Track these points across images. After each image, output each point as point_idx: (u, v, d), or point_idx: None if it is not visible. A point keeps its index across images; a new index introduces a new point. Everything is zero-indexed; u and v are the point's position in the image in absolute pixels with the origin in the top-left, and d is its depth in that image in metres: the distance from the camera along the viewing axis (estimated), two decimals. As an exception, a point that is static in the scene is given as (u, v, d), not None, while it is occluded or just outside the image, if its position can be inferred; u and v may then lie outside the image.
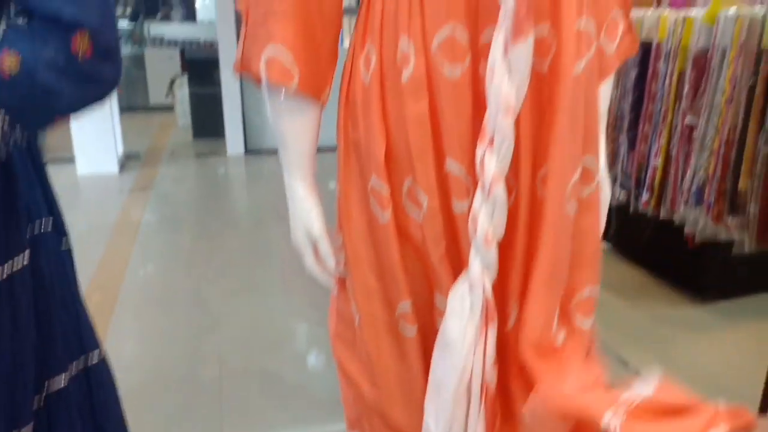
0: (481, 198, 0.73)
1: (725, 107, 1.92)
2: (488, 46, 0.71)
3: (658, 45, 2.18)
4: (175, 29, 7.05)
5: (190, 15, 7.92)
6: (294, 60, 0.77)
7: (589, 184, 0.81)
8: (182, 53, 6.35)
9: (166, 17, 7.54)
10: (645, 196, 2.22)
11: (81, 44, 0.63)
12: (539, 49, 0.72)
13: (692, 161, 2.03)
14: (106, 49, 0.66)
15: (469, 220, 0.74)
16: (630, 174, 2.31)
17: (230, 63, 4.98)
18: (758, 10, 1.95)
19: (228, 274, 2.77)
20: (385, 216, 0.80)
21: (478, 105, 0.74)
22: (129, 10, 7.73)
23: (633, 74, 2.27)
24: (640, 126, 2.24)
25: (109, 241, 3.20)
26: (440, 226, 0.79)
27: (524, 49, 0.69)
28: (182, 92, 5.64)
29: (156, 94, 6.53)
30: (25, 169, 0.80)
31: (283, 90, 0.80)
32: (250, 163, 4.87)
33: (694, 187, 2.01)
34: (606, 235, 2.59)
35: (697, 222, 2.02)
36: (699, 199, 2.00)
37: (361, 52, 0.79)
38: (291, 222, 0.89)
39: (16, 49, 0.63)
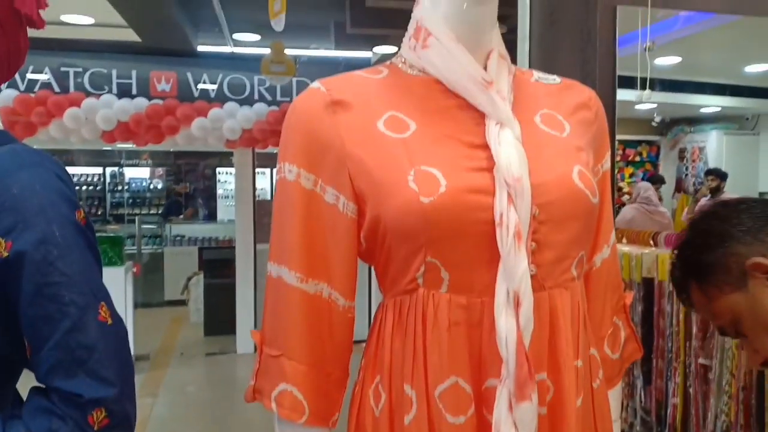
0: None
1: (737, 351, 1.95)
2: (492, 390, 0.74)
3: (660, 283, 2.29)
4: (195, 228, 7.42)
5: (211, 215, 8.43)
6: (304, 397, 0.79)
7: None
8: (200, 251, 6.62)
9: (190, 217, 8.00)
10: (668, 437, 2.16)
11: (98, 417, 0.65)
12: (539, 393, 0.74)
13: (711, 403, 2.01)
14: (121, 420, 0.67)
15: None
16: (649, 410, 2.28)
17: (246, 261, 5.18)
18: (751, 258, 2.08)
19: None
20: None
21: None
22: (155, 211, 8.25)
23: (639, 309, 2.35)
24: (654, 362, 2.26)
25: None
26: None
27: (529, 408, 0.72)
28: (197, 291, 5.80)
29: (171, 290, 6.66)
30: None
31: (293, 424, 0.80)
32: (259, 364, 4.83)
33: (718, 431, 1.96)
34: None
35: (728, 470, 1.93)
36: (725, 446, 1.94)
37: (371, 383, 0.81)
38: None
39: (34, 429, 0.64)
